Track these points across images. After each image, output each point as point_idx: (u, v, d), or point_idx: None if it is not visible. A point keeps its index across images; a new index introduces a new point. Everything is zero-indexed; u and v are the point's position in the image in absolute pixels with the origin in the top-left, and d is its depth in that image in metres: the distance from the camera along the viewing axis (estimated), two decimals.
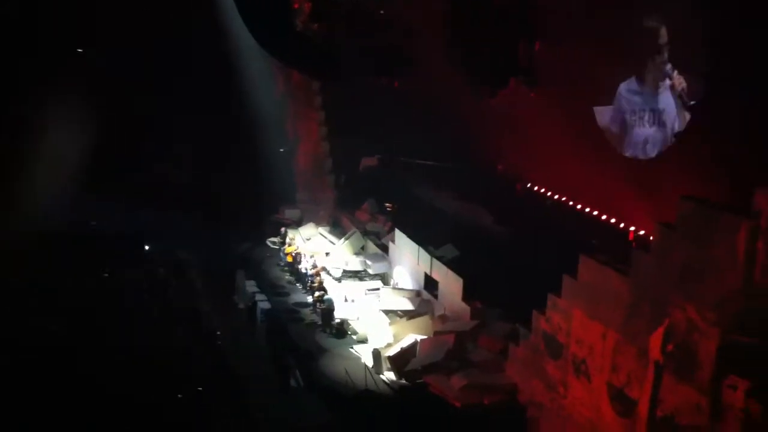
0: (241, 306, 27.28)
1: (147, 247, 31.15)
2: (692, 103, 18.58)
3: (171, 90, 33.64)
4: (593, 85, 21.81)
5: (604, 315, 15.91)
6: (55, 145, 31.82)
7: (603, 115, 21.63)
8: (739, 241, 12.41)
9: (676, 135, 19.08)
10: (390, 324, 22.54)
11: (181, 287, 27.55)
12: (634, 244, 19.57)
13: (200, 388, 20.65)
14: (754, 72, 15.38)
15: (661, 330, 14.03)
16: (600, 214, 22.70)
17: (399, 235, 26.71)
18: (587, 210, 23.48)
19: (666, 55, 18.81)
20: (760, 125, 15.23)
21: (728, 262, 12.59)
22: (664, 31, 18.69)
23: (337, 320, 23.98)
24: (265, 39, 29.69)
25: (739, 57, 15.85)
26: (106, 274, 28.28)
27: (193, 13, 32.63)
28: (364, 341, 23.02)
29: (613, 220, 22.08)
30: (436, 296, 23.91)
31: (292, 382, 21.22)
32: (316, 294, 25.60)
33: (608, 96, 21.39)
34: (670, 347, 13.87)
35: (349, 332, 23.77)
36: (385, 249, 28.09)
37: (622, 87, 20.51)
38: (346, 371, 20.98)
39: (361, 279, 26.93)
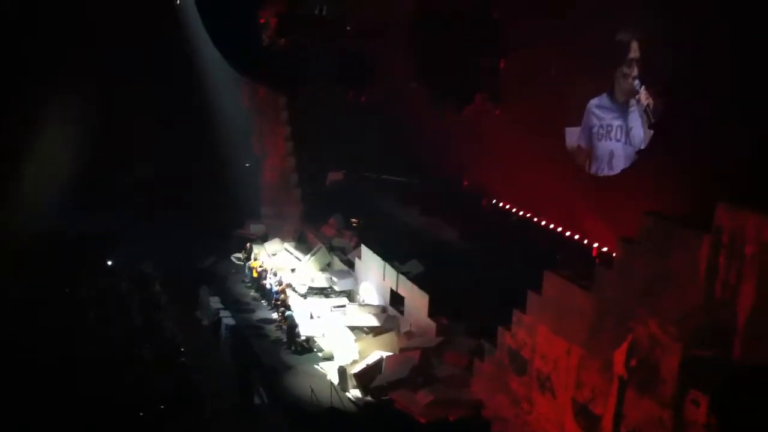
0: (205, 322, 26.98)
1: (110, 263, 30.76)
2: (653, 120, 18.80)
3: (136, 106, 33.50)
4: (559, 102, 22.02)
5: (569, 330, 15.99)
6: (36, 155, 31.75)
7: (573, 135, 21.65)
8: (700, 256, 12.55)
9: (639, 152, 19.29)
10: (356, 341, 22.43)
11: (144, 302, 27.19)
12: (597, 260, 19.72)
13: (162, 406, 20.37)
14: (715, 89, 15.62)
15: (624, 345, 14.14)
16: (564, 231, 22.85)
17: (365, 251, 26.65)
18: (552, 226, 23.63)
19: (636, 69, 18.90)
20: (721, 142, 15.45)
21: (689, 277, 12.74)
22: (635, 45, 18.72)
23: (303, 337, 23.81)
24: (231, 54, 29.58)
25: (699, 74, 16.09)
26: (67, 290, 27.85)
27: (159, 27, 32.46)
28: (329, 358, 22.87)
29: (577, 237, 22.23)
30: (402, 312, 23.86)
31: (256, 400, 20.99)
32: (281, 310, 25.42)
33: (573, 114, 21.55)
34: (633, 362, 13.97)
35: (315, 349, 23.61)
36: (351, 265, 27.99)
37: (592, 102, 20.55)
38: (311, 388, 20.80)
39: (326, 295, 26.78)
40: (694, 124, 16.21)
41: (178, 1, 32.58)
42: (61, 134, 32.20)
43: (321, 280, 27.73)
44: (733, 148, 14.84)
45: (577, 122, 21.47)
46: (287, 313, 24.71)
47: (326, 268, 28.88)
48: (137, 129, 33.79)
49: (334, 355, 22.71)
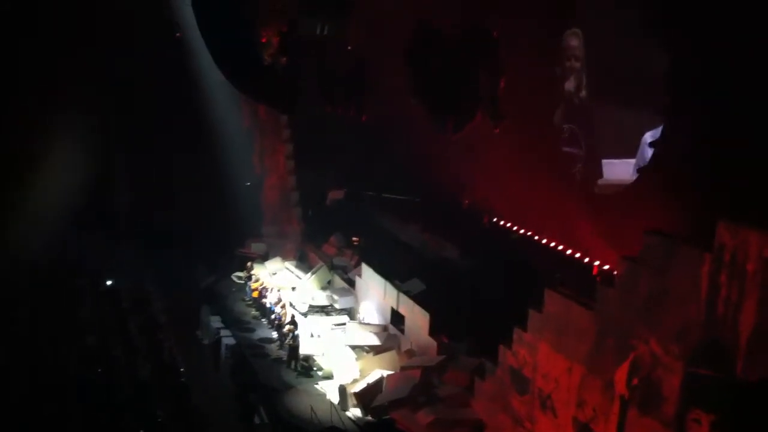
0: (206, 341, 26.90)
1: (109, 282, 30.71)
2: (652, 140, 18.76)
3: (139, 124, 33.63)
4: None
5: (570, 349, 15.92)
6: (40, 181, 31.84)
7: (612, 168, 20.79)
8: (702, 273, 12.51)
9: (640, 170, 19.27)
10: (356, 359, 22.33)
11: (144, 322, 27.13)
12: (598, 278, 19.66)
13: (163, 425, 20.28)
14: (716, 106, 15.66)
15: (626, 364, 14.07)
16: (565, 249, 22.82)
17: (366, 270, 26.59)
18: (553, 244, 23.59)
19: None
20: (722, 160, 15.48)
21: (691, 295, 12.69)
22: None
23: (303, 356, 23.71)
24: (233, 73, 29.70)
25: (696, 93, 16.14)
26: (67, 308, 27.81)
27: (162, 47, 32.65)
28: (329, 377, 22.77)
29: (578, 255, 22.20)
30: (402, 331, 23.76)
31: (256, 419, 20.89)
32: (286, 329, 25.26)
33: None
34: (635, 381, 13.89)
35: (315, 368, 23.51)
36: (351, 283, 27.93)
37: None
38: (312, 408, 20.70)
39: (327, 314, 26.68)
40: (695, 142, 16.23)
41: (178, 34, 32.73)
42: (59, 156, 32.31)
43: (322, 298, 27.66)
44: (734, 166, 14.86)
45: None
46: (296, 332, 24.53)
47: (327, 286, 28.80)
48: (137, 149, 33.89)
49: (335, 374, 22.61)
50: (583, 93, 21.17)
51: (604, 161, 21.15)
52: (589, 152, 21.32)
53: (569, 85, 21.59)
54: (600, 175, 21.12)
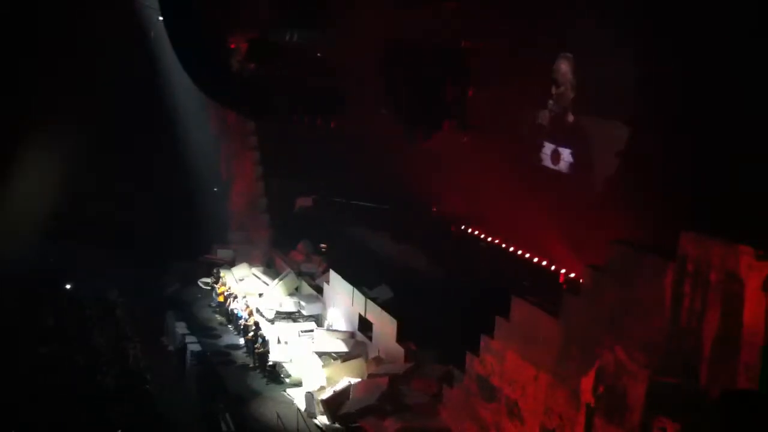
0: (171, 348, 26.65)
1: (68, 286, 30.21)
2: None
3: (106, 130, 33.22)
4: (528, 129, 22.29)
5: (537, 356, 16.05)
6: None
7: None
8: (666, 283, 12.69)
9: (607, 181, 19.53)
10: (323, 366, 22.29)
11: (108, 328, 26.78)
12: (564, 286, 19.85)
13: None
14: (678, 118, 15.92)
15: (592, 372, 14.22)
16: (533, 256, 23.03)
17: (334, 276, 26.56)
18: (520, 252, 23.79)
19: None
20: (684, 171, 15.73)
21: (656, 304, 12.86)
22: None
23: (270, 362, 23.63)
24: (201, 79, 29.52)
25: (662, 104, 16.40)
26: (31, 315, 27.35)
27: (129, 52, 32.32)
28: (297, 384, 22.69)
29: (545, 263, 22.40)
30: (370, 338, 23.78)
31: (223, 427, 20.74)
32: (250, 335, 25.14)
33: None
34: (601, 389, 14.04)
35: (282, 375, 23.43)
36: (319, 290, 27.88)
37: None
38: (278, 415, 20.62)
39: (294, 320, 26.62)
40: (661, 155, 16.48)
41: (152, 33, 32.51)
42: (24, 163, 31.88)
43: (289, 304, 27.57)
44: (699, 176, 15.12)
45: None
46: (265, 338, 24.41)
47: (294, 292, 28.71)
48: (104, 155, 33.50)
49: (302, 381, 22.54)
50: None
51: None
52: None
53: None
54: None
